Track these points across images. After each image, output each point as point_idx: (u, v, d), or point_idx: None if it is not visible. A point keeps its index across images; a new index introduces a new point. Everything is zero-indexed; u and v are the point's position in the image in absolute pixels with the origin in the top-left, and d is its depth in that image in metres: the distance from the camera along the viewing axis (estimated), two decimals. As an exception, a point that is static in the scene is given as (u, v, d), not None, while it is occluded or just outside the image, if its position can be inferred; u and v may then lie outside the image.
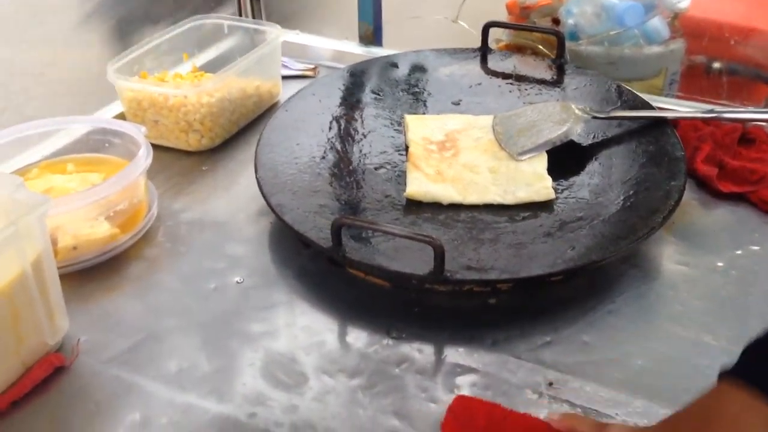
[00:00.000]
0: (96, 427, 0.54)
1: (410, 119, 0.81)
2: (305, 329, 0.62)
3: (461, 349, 0.59)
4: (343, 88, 0.89)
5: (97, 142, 0.80)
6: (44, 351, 0.58)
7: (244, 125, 0.92)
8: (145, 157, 0.71)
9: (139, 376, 0.58)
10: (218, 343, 0.61)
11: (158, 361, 0.59)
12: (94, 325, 0.63)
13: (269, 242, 0.72)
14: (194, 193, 0.80)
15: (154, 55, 0.93)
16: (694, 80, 1.01)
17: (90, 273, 0.68)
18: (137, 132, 0.76)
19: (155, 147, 0.79)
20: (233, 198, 0.79)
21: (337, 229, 0.62)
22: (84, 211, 0.67)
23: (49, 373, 0.58)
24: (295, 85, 1.02)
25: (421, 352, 0.59)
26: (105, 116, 0.91)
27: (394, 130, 0.82)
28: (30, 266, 0.55)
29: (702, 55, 1.03)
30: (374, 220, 0.63)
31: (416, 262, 0.62)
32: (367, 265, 0.62)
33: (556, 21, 0.94)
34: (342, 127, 0.82)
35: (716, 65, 1.03)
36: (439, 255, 0.59)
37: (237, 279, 0.67)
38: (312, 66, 1.06)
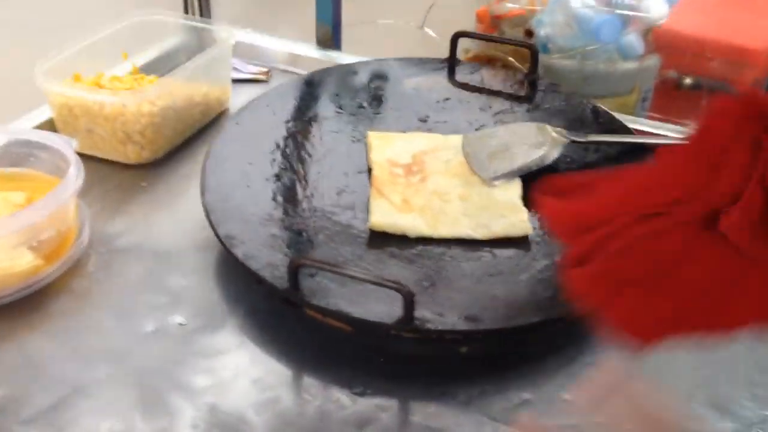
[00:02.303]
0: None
1: (373, 137, 0.75)
2: (257, 382, 0.55)
3: (431, 408, 0.53)
4: (299, 99, 0.82)
5: (20, 155, 0.71)
6: (-50, 411, 0.50)
7: (190, 135, 0.84)
8: (75, 178, 0.63)
9: (63, 441, 0.50)
10: (157, 399, 0.53)
11: (86, 421, 0.52)
12: (11, 375, 0.55)
13: (216, 274, 0.65)
14: (132, 213, 0.72)
15: (89, 54, 0.84)
16: (666, 97, 0.98)
17: (7, 310, 0.60)
18: (66, 146, 0.67)
19: (88, 158, 0.71)
20: (176, 221, 0.71)
21: (294, 270, 0.56)
22: (3, 241, 0.59)
23: (-44, 438, 0.50)
24: (246, 90, 0.94)
25: (386, 410, 0.53)
26: (29, 123, 0.82)
27: (356, 148, 0.76)
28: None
29: (673, 70, 0.99)
30: (336, 263, 0.57)
31: (382, 306, 0.55)
32: (328, 310, 0.55)
33: (529, 32, 0.89)
34: (298, 145, 0.75)
35: (688, 81, 1.00)
36: (409, 303, 0.53)
37: (179, 320, 0.60)
38: (264, 69, 0.98)
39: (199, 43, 0.97)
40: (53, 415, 0.52)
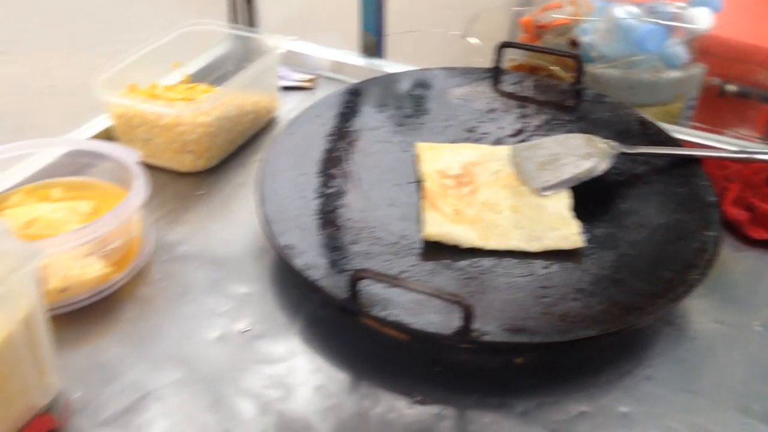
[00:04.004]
0: (93, 507, 0.49)
1: (422, 148, 0.76)
2: (319, 390, 0.57)
3: (488, 418, 0.55)
4: (347, 109, 0.83)
5: (82, 165, 0.74)
6: (34, 413, 0.53)
7: (241, 144, 0.86)
8: (142, 190, 0.65)
9: (139, 445, 0.53)
10: (225, 404, 0.56)
11: (159, 424, 0.54)
12: (86, 378, 0.58)
13: (273, 283, 0.67)
14: (190, 222, 0.74)
15: (143, 64, 0.86)
16: (710, 104, 0.98)
17: (80, 315, 0.63)
18: (130, 157, 0.70)
19: (146, 167, 0.73)
20: (233, 229, 0.74)
21: (355, 282, 0.58)
22: (76, 250, 0.61)
23: (39, 439, 0.52)
24: (292, 98, 0.97)
25: (445, 419, 0.55)
26: (88, 132, 0.84)
27: (404, 158, 0.77)
28: (20, 324, 0.50)
29: (717, 77, 1.00)
30: (394, 275, 0.58)
31: (439, 317, 0.57)
32: (387, 321, 0.57)
33: (573, 42, 0.90)
34: (349, 155, 0.77)
35: (731, 88, 1.00)
36: (468, 315, 0.55)
37: (242, 327, 0.62)
38: (310, 77, 1.00)
39: (246, 51, 1.00)
40: (128, 418, 0.54)
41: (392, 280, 0.57)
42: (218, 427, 0.54)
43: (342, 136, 0.80)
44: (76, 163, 0.74)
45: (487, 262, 0.65)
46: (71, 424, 0.54)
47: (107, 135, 0.83)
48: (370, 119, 0.83)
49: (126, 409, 0.55)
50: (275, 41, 0.91)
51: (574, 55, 0.84)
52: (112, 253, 0.64)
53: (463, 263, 0.65)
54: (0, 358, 0.49)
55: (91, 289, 0.63)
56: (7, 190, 0.71)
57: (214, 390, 0.57)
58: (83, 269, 0.62)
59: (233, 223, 0.74)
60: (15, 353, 0.50)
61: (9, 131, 2.11)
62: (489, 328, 0.57)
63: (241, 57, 1.00)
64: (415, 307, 0.59)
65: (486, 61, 0.89)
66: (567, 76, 0.88)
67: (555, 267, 0.64)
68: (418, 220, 0.69)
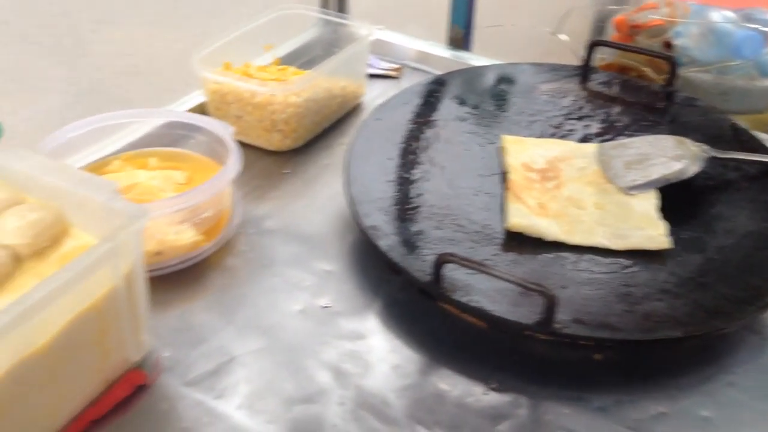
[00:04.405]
0: (179, 460, 0.51)
1: (508, 141, 0.77)
2: (397, 369, 0.58)
3: (566, 411, 0.55)
4: (435, 98, 0.84)
5: (178, 136, 0.77)
6: (126, 367, 0.56)
7: (327, 126, 0.88)
8: (237, 165, 0.67)
9: (225, 405, 0.55)
10: (306, 375, 0.57)
11: (245, 390, 0.56)
12: (175, 339, 0.60)
13: (354, 262, 0.68)
14: (277, 198, 0.76)
15: (237, 44, 0.89)
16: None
17: (171, 280, 0.65)
18: (224, 132, 0.72)
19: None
20: (317, 208, 0.75)
21: (439, 265, 0.58)
22: (172, 217, 0.64)
23: (131, 392, 0.55)
24: (377, 86, 0.98)
25: (521, 407, 0.55)
26: (184, 106, 0.87)
27: (489, 150, 0.78)
28: (122, 280, 0.52)
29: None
30: (482, 262, 0.59)
31: (520, 307, 0.58)
32: (469, 307, 0.58)
33: (667, 44, 0.88)
34: (435, 144, 0.78)
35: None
36: (551, 307, 0.55)
37: (324, 303, 0.64)
38: (396, 66, 1.01)
39: (335, 36, 1.02)
40: (214, 381, 0.57)
41: (477, 266, 0.57)
42: (299, 395, 0.56)
43: (428, 124, 0.80)
44: (172, 135, 0.77)
45: (569, 257, 0.65)
46: (160, 381, 0.56)
47: (200, 111, 0.85)
48: (455, 110, 0.83)
49: (212, 372, 0.57)
50: (366, 29, 0.92)
51: (669, 57, 0.83)
52: (204, 222, 0.67)
53: (545, 256, 0.65)
54: (102, 311, 0.51)
55: (182, 254, 0.65)
56: (108, 156, 0.74)
57: (295, 360, 0.59)
58: (177, 235, 0.65)
59: (317, 202, 0.76)
60: (116, 307, 0.52)
61: (96, 107, 2.19)
62: (570, 321, 0.57)
63: (330, 43, 1.02)
64: (496, 295, 0.59)
65: (568, 59, 0.89)
66: (658, 78, 0.87)
67: (639, 266, 0.64)
68: (502, 211, 0.69)
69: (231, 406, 0.55)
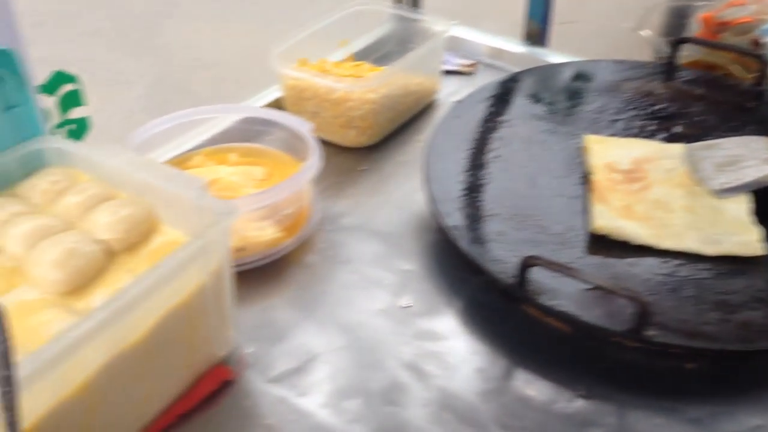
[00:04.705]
0: (265, 457, 0.51)
1: (591, 141, 0.75)
2: (480, 372, 0.57)
3: (658, 420, 0.53)
4: (513, 96, 0.83)
5: (255, 132, 0.77)
6: (212, 363, 0.56)
7: (402, 123, 0.87)
8: (317, 162, 0.67)
9: (309, 403, 0.55)
10: (389, 375, 0.57)
11: (328, 388, 0.56)
12: (257, 336, 0.60)
13: (434, 262, 0.68)
14: (354, 196, 0.76)
15: (313, 40, 0.89)
16: None
17: (253, 275, 0.65)
18: (304, 128, 0.72)
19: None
20: (394, 205, 0.75)
21: (524, 268, 0.57)
22: (254, 213, 0.64)
23: (217, 387, 0.55)
24: (452, 82, 0.97)
25: (610, 416, 0.54)
26: (260, 102, 0.88)
27: (570, 150, 0.76)
28: (211, 276, 0.53)
29: None
30: (569, 266, 0.57)
31: (606, 312, 0.56)
32: (555, 311, 0.57)
33: (756, 42, 0.85)
34: (514, 142, 0.76)
35: None
36: (643, 313, 0.53)
37: (404, 302, 0.63)
38: (471, 62, 1.00)
39: (408, 32, 1.01)
40: (297, 379, 0.57)
41: (565, 270, 0.56)
42: (382, 396, 0.55)
43: (505, 122, 0.79)
44: (251, 130, 0.77)
45: (654, 262, 0.63)
46: (244, 377, 0.57)
47: (276, 106, 0.86)
48: (534, 108, 0.82)
49: (295, 370, 0.57)
50: (441, 25, 0.91)
51: (759, 55, 0.80)
52: (284, 219, 0.67)
53: (630, 260, 0.63)
54: (191, 307, 0.52)
55: (264, 251, 0.65)
56: (189, 151, 0.75)
57: (378, 360, 0.58)
58: (258, 231, 0.65)
59: (394, 200, 0.76)
60: (204, 303, 0.53)
61: (165, 101, 2.23)
62: (661, 328, 0.55)
63: (403, 38, 1.01)
64: (581, 300, 0.58)
65: (641, 55, 0.86)
66: (747, 77, 0.83)
67: (732, 273, 0.61)
68: (585, 213, 0.68)
69: (315, 404, 0.55)
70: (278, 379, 0.57)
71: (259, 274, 0.66)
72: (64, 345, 0.42)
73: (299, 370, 0.57)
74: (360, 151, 0.83)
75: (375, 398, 0.55)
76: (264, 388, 0.56)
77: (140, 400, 0.51)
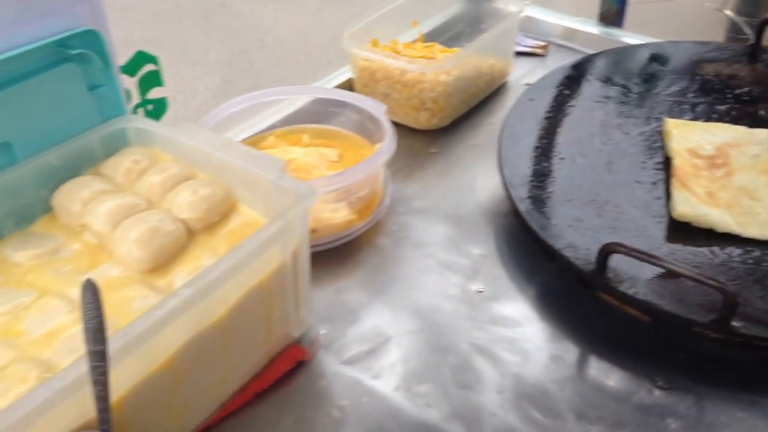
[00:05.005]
0: (341, 437, 0.52)
1: (672, 125, 0.73)
2: (555, 359, 0.57)
3: (740, 414, 0.52)
4: (590, 78, 0.81)
5: (328, 113, 0.77)
6: (288, 343, 0.57)
7: (473, 105, 0.86)
8: (392, 145, 0.67)
9: (383, 386, 0.55)
10: (462, 360, 0.57)
11: (401, 371, 0.56)
12: (330, 317, 0.61)
13: (507, 247, 0.67)
14: (425, 178, 0.76)
15: (384, 21, 0.88)
16: None
17: (326, 256, 0.66)
18: (377, 110, 0.72)
19: (382, 122, 0.75)
20: (466, 189, 0.74)
21: (605, 255, 0.56)
22: (329, 195, 0.64)
23: (292, 366, 0.56)
24: (523, 63, 0.95)
25: (690, 408, 0.52)
26: (330, 83, 0.88)
27: (649, 134, 0.74)
28: (289, 257, 0.53)
29: None
30: (652, 253, 0.56)
31: (686, 302, 0.55)
32: (636, 299, 0.55)
33: None
34: (590, 126, 0.74)
35: None
36: (730, 305, 0.52)
37: (477, 287, 0.63)
38: (543, 43, 0.98)
39: (479, 13, 0.99)
40: (371, 362, 0.57)
41: (648, 258, 0.55)
42: (456, 381, 0.55)
43: (581, 105, 0.77)
44: (322, 111, 0.77)
45: (738, 251, 0.61)
46: (318, 358, 0.57)
47: (346, 88, 0.86)
48: (610, 90, 0.80)
49: (368, 352, 0.58)
50: (516, 5, 0.89)
51: None
52: (358, 201, 0.67)
53: (713, 249, 0.61)
54: (270, 287, 0.52)
55: (337, 233, 0.66)
56: (262, 132, 0.76)
57: (452, 344, 0.58)
58: (332, 213, 0.65)
59: (465, 183, 0.75)
60: (283, 283, 0.53)
61: (223, 82, 2.26)
62: (748, 320, 0.53)
63: (473, 19, 1.00)
64: (661, 288, 0.56)
65: (714, 36, 0.83)
66: (838, 59, 0.80)
67: (822, 264, 0.59)
68: (664, 199, 0.66)
69: (388, 387, 0.55)
70: (351, 361, 0.57)
71: (331, 256, 0.66)
72: (151, 322, 0.42)
73: (372, 353, 0.57)
74: (430, 133, 0.82)
75: (448, 382, 0.55)
76: (338, 369, 0.56)
77: (220, 377, 0.52)
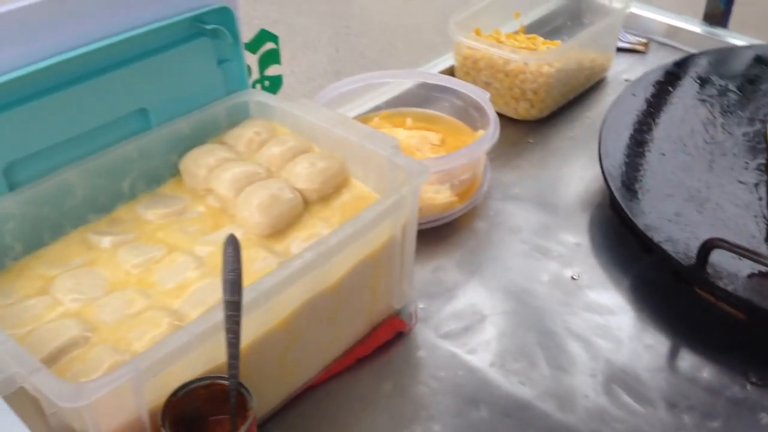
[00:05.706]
0: (441, 407, 0.54)
1: (777, 127, 0.72)
2: (649, 348, 0.58)
3: (836, 416, 0.52)
4: (693, 77, 0.81)
5: (431, 97, 0.80)
6: (389, 313, 0.60)
7: (571, 98, 0.87)
8: (496, 131, 0.69)
9: (478, 361, 0.57)
10: (555, 342, 0.58)
11: (496, 348, 0.58)
12: (428, 292, 0.63)
13: (603, 238, 0.68)
14: (521, 167, 0.77)
15: (488, 10, 0.90)
16: None
17: (426, 236, 0.68)
18: (482, 98, 0.74)
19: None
20: (562, 179, 0.75)
21: (707, 250, 0.57)
22: (434, 177, 0.67)
23: (392, 336, 0.59)
24: (622, 60, 0.95)
25: (785, 406, 0.53)
26: (434, 69, 0.90)
27: (753, 136, 0.74)
28: (399, 231, 0.56)
29: None
30: (757, 250, 0.56)
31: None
32: (735, 297, 0.56)
33: None
34: (694, 124, 0.75)
35: None
36: (834, 307, 0.52)
37: (572, 274, 0.64)
38: (643, 40, 0.98)
39: (581, 7, 1.00)
40: (467, 338, 0.59)
41: (751, 255, 0.55)
42: (549, 362, 0.57)
43: (683, 103, 0.77)
44: (425, 96, 0.80)
45: None
46: (416, 330, 0.60)
47: (448, 74, 0.88)
48: (712, 90, 0.79)
49: (464, 328, 0.60)
50: (621, 2, 0.90)
51: None
52: (460, 185, 0.69)
53: (816, 253, 0.61)
54: (379, 258, 0.55)
55: (437, 213, 0.68)
56: (367, 112, 0.79)
57: (545, 327, 0.60)
58: (434, 194, 0.68)
59: (562, 174, 0.76)
60: (390, 256, 0.56)
61: (334, 63, 2.31)
62: None
63: (574, 13, 1.01)
64: (760, 287, 0.57)
65: None
66: None
67: None
68: (766, 200, 0.66)
69: (484, 363, 0.57)
70: (448, 336, 0.59)
71: (430, 235, 0.68)
72: (278, 280, 0.46)
73: (468, 329, 0.60)
74: (529, 123, 0.84)
75: (541, 362, 0.57)
76: (435, 342, 0.59)
77: (327, 340, 0.55)
